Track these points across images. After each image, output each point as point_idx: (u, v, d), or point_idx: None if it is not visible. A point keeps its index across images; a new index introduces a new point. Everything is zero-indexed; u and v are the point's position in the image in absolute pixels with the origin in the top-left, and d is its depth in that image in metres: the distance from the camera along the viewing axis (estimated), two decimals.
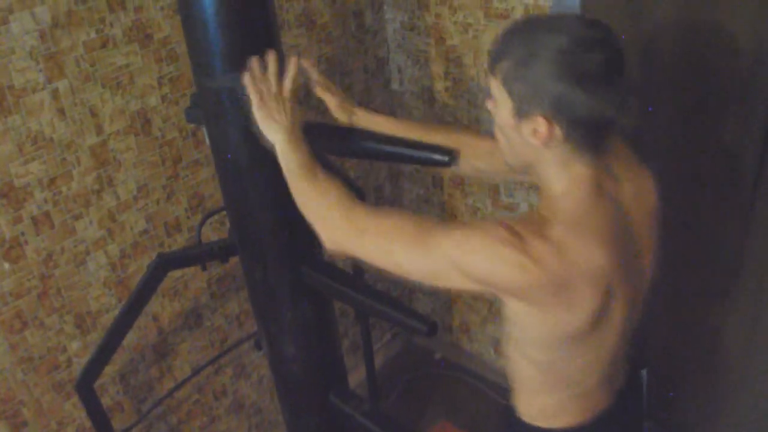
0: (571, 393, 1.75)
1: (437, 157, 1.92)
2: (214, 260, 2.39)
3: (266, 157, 1.84)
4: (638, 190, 1.68)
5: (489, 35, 2.98)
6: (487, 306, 3.68)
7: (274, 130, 1.81)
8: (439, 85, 3.30)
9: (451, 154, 1.90)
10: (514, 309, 1.59)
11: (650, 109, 2.38)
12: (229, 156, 2.01)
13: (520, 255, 1.46)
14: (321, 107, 3.15)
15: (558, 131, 1.48)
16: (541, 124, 1.47)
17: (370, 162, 3.48)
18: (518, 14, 2.84)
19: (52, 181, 2.34)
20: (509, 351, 1.76)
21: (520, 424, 1.84)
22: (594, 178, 1.56)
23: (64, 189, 2.37)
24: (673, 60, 2.37)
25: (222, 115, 1.95)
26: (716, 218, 2.50)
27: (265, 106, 1.80)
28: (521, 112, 1.50)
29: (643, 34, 2.41)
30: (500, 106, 1.56)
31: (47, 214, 2.35)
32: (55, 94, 2.27)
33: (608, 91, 1.44)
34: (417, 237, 1.60)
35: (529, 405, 1.83)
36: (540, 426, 1.81)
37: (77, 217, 2.43)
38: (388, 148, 2.02)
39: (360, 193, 2.26)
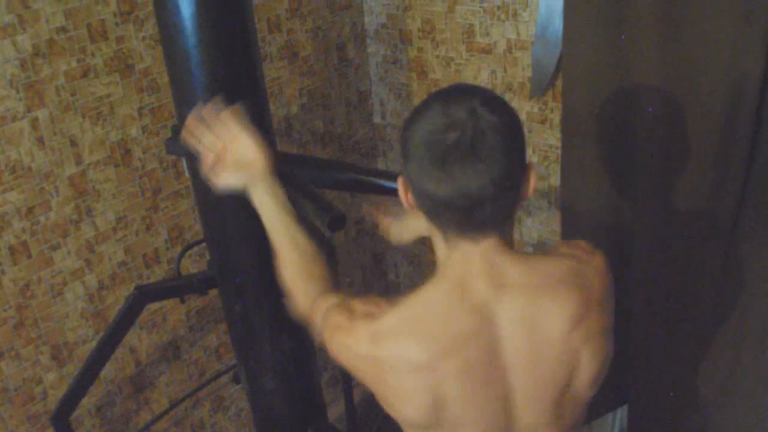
0: None
1: None
2: (193, 293, 2.37)
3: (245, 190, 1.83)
4: (537, 311, 1.45)
5: (471, 69, 2.99)
6: None
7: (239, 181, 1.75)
8: None
9: None
10: None
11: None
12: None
13: (347, 337, 1.51)
14: (303, 139, 3.16)
15: (411, 197, 1.43)
16: (400, 183, 1.46)
17: (352, 194, 3.48)
18: (500, 48, 2.85)
19: (30, 210, 2.32)
20: None
21: None
22: (460, 274, 1.45)
23: (42, 219, 2.35)
24: (654, 105, 2.38)
25: None
26: (695, 261, 2.50)
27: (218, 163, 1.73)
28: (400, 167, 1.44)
29: (625, 81, 2.43)
30: None
31: (25, 244, 2.33)
32: (34, 123, 2.26)
33: (447, 174, 1.33)
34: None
35: None
36: None
37: (55, 248, 2.41)
38: (368, 180, 2.01)
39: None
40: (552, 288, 1.46)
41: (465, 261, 1.44)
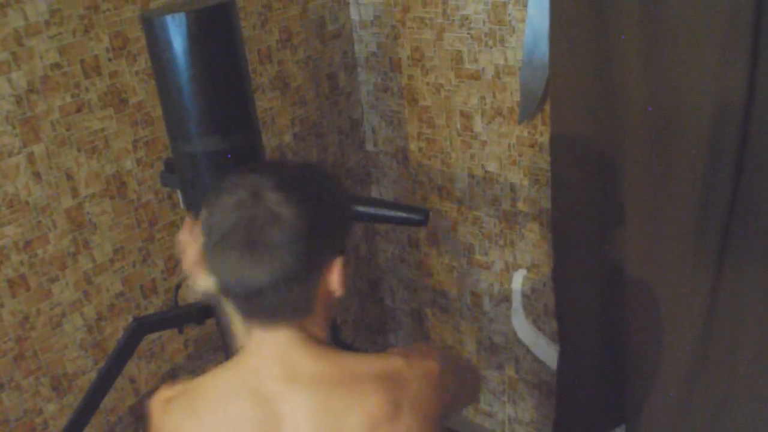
0: None
1: (413, 216, 1.95)
2: (191, 323, 2.39)
3: None
4: (332, 409, 1.36)
5: (461, 95, 3.03)
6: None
7: None
8: (413, 146, 3.33)
9: (426, 213, 1.94)
10: None
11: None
12: None
13: (154, 402, 1.54)
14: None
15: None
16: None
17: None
18: (489, 74, 2.89)
19: (28, 243, 2.35)
20: None
21: None
22: (251, 360, 1.42)
23: (40, 252, 2.38)
24: (641, 120, 2.41)
25: (197, 179, 1.97)
26: (685, 282, 2.51)
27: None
28: None
29: (612, 104, 2.46)
30: None
31: (23, 277, 2.35)
32: (30, 158, 2.29)
33: (221, 258, 1.29)
34: None
35: None
36: None
37: (53, 280, 2.44)
38: (364, 209, 2.04)
39: None
40: (353, 386, 1.37)
41: (258, 348, 1.40)
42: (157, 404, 1.51)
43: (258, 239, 1.24)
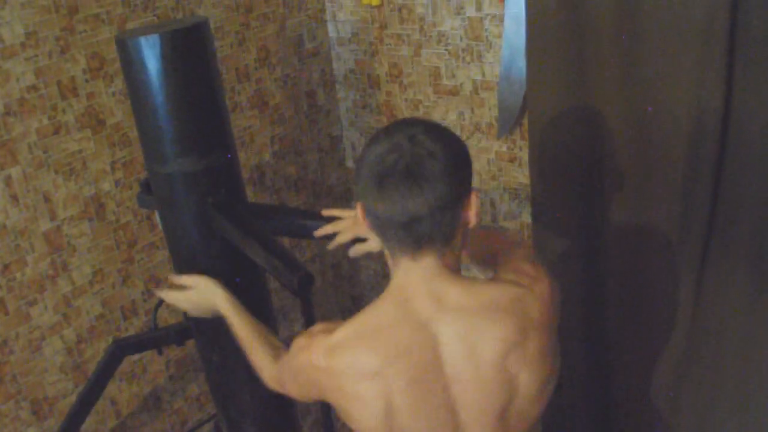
0: None
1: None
2: (170, 344, 2.39)
3: (219, 241, 1.86)
4: (474, 334, 1.56)
5: (439, 111, 3.03)
6: None
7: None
8: None
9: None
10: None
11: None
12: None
13: (307, 353, 1.66)
14: (275, 186, 3.19)
15: (369, 221, 1.56)
16: (358, 206, 1.58)
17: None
18: (467, 90, 2.90)
19: (6, 267, 2.33)
20: None
21: None
22: (404, 290, 1.58)
23: (18, 275, 2.37)
24: (620, 132, 2.42)
25: (175, 200, 1.97)
26: (667, 291, 2.52)
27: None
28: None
29: (589, 118, 2.46)
30: None
31: (1, 301, 2.34)
32: (8, 181, 2.28)
33: (385, 192, 1.48)
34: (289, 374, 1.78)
35: None
36: None
37: (32, 303, 2.42)
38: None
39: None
40: (489, 313, 1.56)
41: (406, 278, 1.58)
42: (316, 357, 1.63)
43: (418, 173, 1.45)
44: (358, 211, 1.57)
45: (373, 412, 1.57)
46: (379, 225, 1.53)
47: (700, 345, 2.55)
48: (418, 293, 1.56)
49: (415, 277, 1.56)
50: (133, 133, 2.56)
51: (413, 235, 1.50)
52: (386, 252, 1.60)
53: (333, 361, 1.60)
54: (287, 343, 1.84)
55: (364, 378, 1.56)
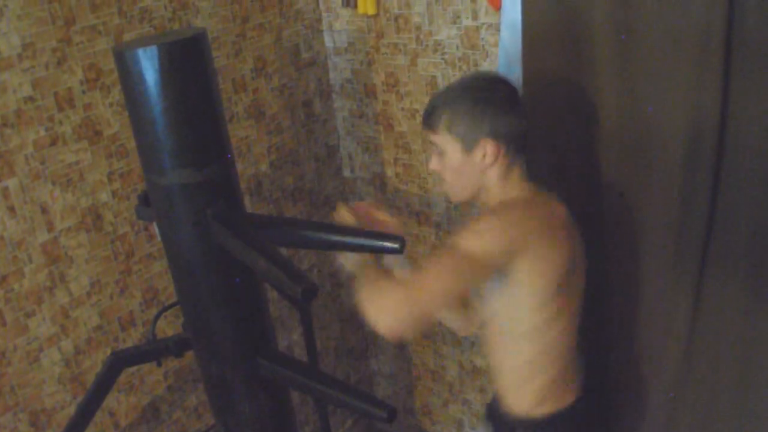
0: (550, 377, 2.16)
1: (388, 244, 1.95)
2: (168, 356, 2.38)
3: (218, 252, 1.86)
4: (551, 201, 2.11)
5: None
6: (448, 388, 3.67)
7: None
8: (390, 171, 3.33)
9: (402, 241, 1.94)
10: (511, 285, 1.99)
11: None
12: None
13: (494, 234, 1.96)
14: (273, 196, 3.19)
15: (502, 147, 2.01)
16: (488, 145, 2.00)
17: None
18: None
19: (4, 278, 2.33)
20: (495, 354, 2.23)
21: (511, 417, 2.25)
22: (527, 183, 2.10)
23: (16, 286, 2.36)
24: (617, 140, 2.42)
25: (173, 212, 1.97)
26: (665, 298, 2.51)
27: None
28: (469, 145, 2.02)
29: (586, 127, 2.46)
30: (448, 151, 2.05)
31: None
32: (5, 193, 2.28)
33: (517, 111, 2.04)
34: (447, 267, 1.93)
35: (518, 397, 2.23)
36: (531, 415, 2.21)
37: (30, 315, 2.42)
38: (339, 238, 2.04)
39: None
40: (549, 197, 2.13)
41: (520, 176, 2.10)
42: (518, 213, 2.03)
43: (518, 101, 2.06)
44: (489, 144, 1.99)
45: (567, 249, 2.03)
46: (509, 140, 2.02)
47: (700, 346, 2.55)
48: (530, 184, 2.12)
49: (522, 174, 2.11)
50: (130, 144, 2.56)
51: (525, 143, 2.08)
52: (494, 177, 2.06)
53: (538, 207, 2.07)
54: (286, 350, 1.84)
55: (559, 219, 2.06)
